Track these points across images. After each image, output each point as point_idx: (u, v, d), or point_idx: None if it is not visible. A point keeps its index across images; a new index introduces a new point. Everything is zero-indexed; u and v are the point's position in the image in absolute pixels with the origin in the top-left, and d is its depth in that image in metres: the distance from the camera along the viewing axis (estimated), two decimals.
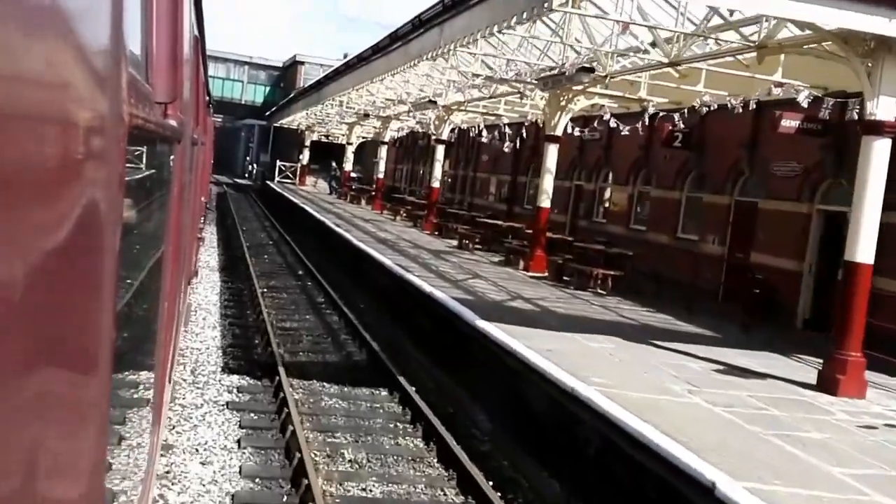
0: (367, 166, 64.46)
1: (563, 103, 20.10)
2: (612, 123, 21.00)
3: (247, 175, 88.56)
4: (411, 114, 31.91)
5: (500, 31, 15.74)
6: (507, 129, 29.62)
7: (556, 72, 16.35)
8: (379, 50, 22.95)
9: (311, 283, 22.43)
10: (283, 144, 70.27)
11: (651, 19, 14.47)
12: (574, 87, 19.75)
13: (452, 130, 35.60)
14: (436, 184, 30.73)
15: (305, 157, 61.48)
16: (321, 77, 34.04)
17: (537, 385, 10.07)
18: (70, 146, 1.07)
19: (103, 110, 1.25)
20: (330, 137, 62.12)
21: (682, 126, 19.61)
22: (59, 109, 1.01)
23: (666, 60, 15.42)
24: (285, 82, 73.93)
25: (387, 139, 40.39)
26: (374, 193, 47.41)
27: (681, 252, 20.08)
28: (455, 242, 26.76)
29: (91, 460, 1.38)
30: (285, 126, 62.87)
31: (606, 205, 25.26)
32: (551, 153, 20.64)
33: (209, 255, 26.21)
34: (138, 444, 2.62)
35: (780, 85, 15.38)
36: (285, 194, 46.89)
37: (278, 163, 62.87)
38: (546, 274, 19.81)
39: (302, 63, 69.77)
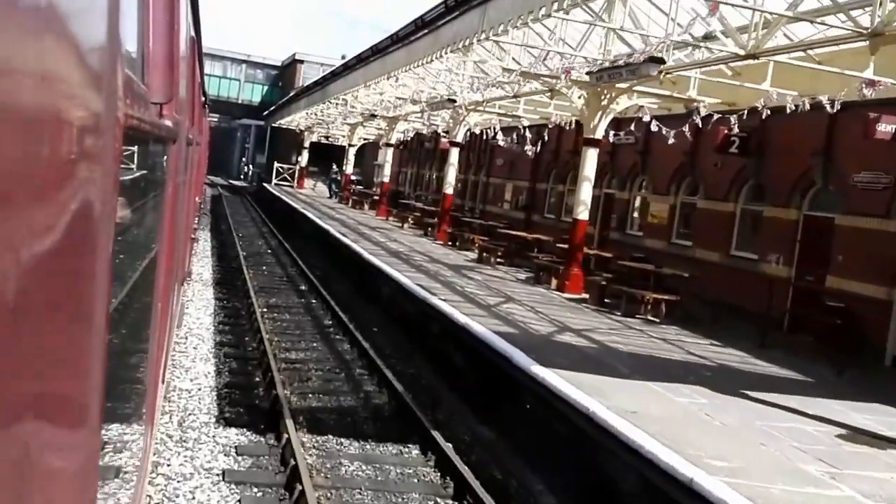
0: (367, 169, 62.12)
1: (604, 102, 17.79)
2: (654, 126, 18.72)
3: (242, 176, 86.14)
4: (424, 114, 29.56)
5: (543, 17, 13.48)
6: (527, 132, 27.37)
7: (616, 62, 13.96)
8: (399, 39, 20.61)
9: (317, 301, 20.06)
10: (281, 145, 67.86)
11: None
12: (619, 85, 17.46)
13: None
14: (449, 190, 28.39)
15: (304, 158, 59.08)
16: (327, 73, 31.61)
17: (627, 462, 7.73)
18: (65, 146, 1.07)
19: (99, 110, 1.26)
20: (330, 139, 59.79)
21: (738, 130, 17.31)
22: (55, 109, 1.01)
23: (742, 52, 13.11)
24: (284, 82, 71.53)
25: (393, 141, 38.05)
26: (377, 198, 45.07)
27: (735, 272, 17.77)
28: (473, 255, 24.42)
29: (83, 461, 1.38)
30: (284, 126, 60.51)
31: (642, 215, 22.93)
32: (590, 158, 18.32)
33: (202, 266, 23.84)
34: (131, 446, 2.66)
35: (871, 83, 13.07)
36: (283, 198, 44.51)
37: (276, 164, 60.43)
38: (586, 296, 17.49)
39: (301, 62, 67.36)
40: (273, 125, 65.20)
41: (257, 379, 12.71)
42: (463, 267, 21.04)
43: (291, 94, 56.60)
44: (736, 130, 17.08)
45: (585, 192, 18.40)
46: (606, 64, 14.33)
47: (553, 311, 15.19)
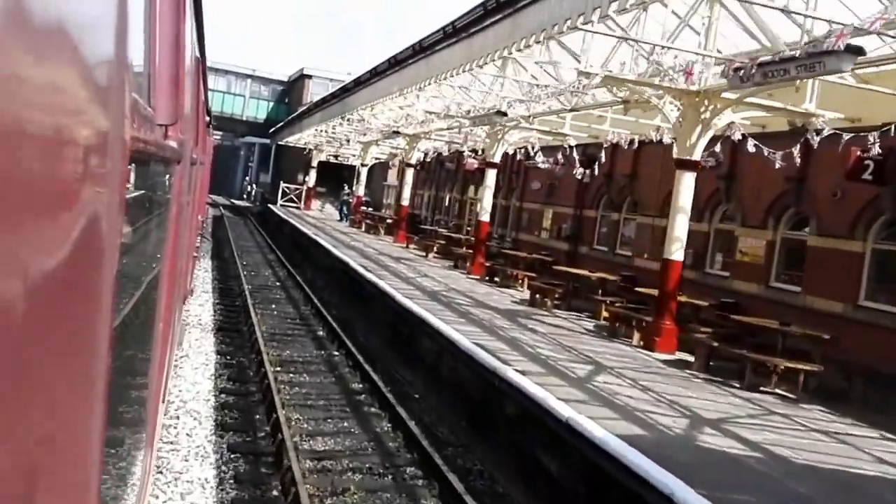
0: (375, 190, 58.66)
1: (705, 116, 14.27)
2: (751, 146, 15.18)
3: (245, 196, 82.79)
4: (460, 130, 26.06)
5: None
6: (574, 152, 23.87)
7: (785, 54, 10.30)
8: (453, 33, 17.13)
9: (340, 355, 16.43)
10: (287, 164, 64.45)
11: None
12: (725, 95, 13.96)
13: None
14: (485, 217, 24.81)
15: (312, 178, 55.58)
16: (348, 83, 28.05)
17: None
18: (73, 167, 1.08)
19: (106, 133, 1.27)
20: (339, 158, 56.36)
21: (874, 152, 13.76)
22: (63, 131, 1.02)
23: None
24: (291, 98, 68.23)
25: (413, 161, 34.56)
26: (390, 222, 41.56)
27: (869, 328, 14.17)
28: (519, 294, 20.84)
29: (84, 480, 1.38)
30: (291, 144, 57.05)
31: (725, 252, 19.32)
32: (685, 185, 14.78)
33: (201, 304, 20.27)
34: (132, 466, 2.63)
35: None
36: (291, 221, 40.97)
37: (282, 185, 56.90)
38: (684, 357, 13.88)
39: (309, 77, 64.06)
40: (279, 143, 61.74)
41: (275, 493, 9.06)
42: (517, 313, 17.42)
43: (303, 108, 53.09)
44: (874, 152, 13.50)
45: (681, 226, 14.84)
46: (765, 58, 10.70)
47: (661, 385, 11.57)
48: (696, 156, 14.57)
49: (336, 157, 56.08)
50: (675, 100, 14.42)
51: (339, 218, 49.20)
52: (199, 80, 6.61)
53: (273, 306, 21.77)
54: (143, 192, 2.36)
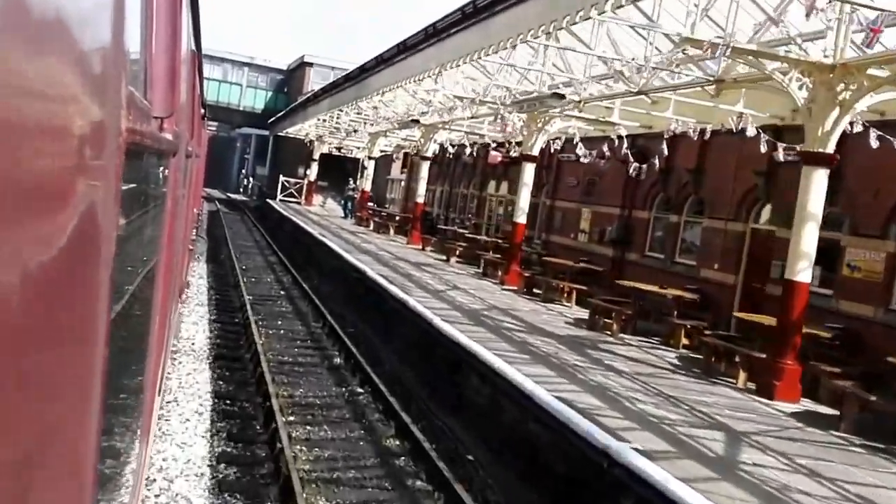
0: (378, 185, 55.28)
1: (843, 96, 11.09)
2: (873, 139, 12.02)
3: (242, 189, 79.45)
4: (477, 120, 22.82)
5: None
6: (624, 145, 20.69)
7: None
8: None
9: (365, 391, 13.26)
10: (286, 157, 61.08)
11: None
12: (873, 73, 10.78)
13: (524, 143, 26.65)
14: (522, 218, 21.60)
15: (313, 172, 52.25)
16: (368, 62, 24.50)
17: None
18: (69, 160, 1.08)
19: (102, 125, 1.27)
20: (343, 150, 53.08)
21: None
22: (59, 124, 1.02)
23: None
24: (290, 87, 64.79)
25: (429, 153, 31.31)
26: (398, 219, 38.36)
27: None
28: (567, 310, 17.68)
29: (80, 472, 1.38)
30: (291, 135, 53.69)
31: (825, 266, 16.13)
32: (817, 184, 11.64)
33: (195, 322, 17.06)
34: (127, 457, 2.63)
35: None
36: (292, 218, 37.75)
37: (281, 178, 53.55)
38: (818, 408, 10.73)
39: (310, 65, 60.59)
40: (278, 134, 58.36)
41: None
42: (581, 341, 14.23)
43: (304, 96, 49.67)
44: None
45: (809, 238, 11.66)
46: None
47: (826, 464, 8.39)
48: (831, 147, 11.39)
49: (339, 149, 52.80)
50: (805, 76, 11.21)
51: (343, 215, 45.93)
52: (195, 73, 6.56)
53: (279, 322, 18.56)
54: (139, 184, 2.31)
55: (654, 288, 16.17)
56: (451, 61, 16.27)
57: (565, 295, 19.03)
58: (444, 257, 26.91)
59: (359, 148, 52.64)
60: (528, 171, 21.50)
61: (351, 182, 47.28)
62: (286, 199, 52.26)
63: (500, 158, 30.56)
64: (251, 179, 79.03)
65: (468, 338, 12.65)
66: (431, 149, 31.30)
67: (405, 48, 19.88)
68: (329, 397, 12.91)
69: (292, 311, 20.43)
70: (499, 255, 24.01)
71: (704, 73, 14.07)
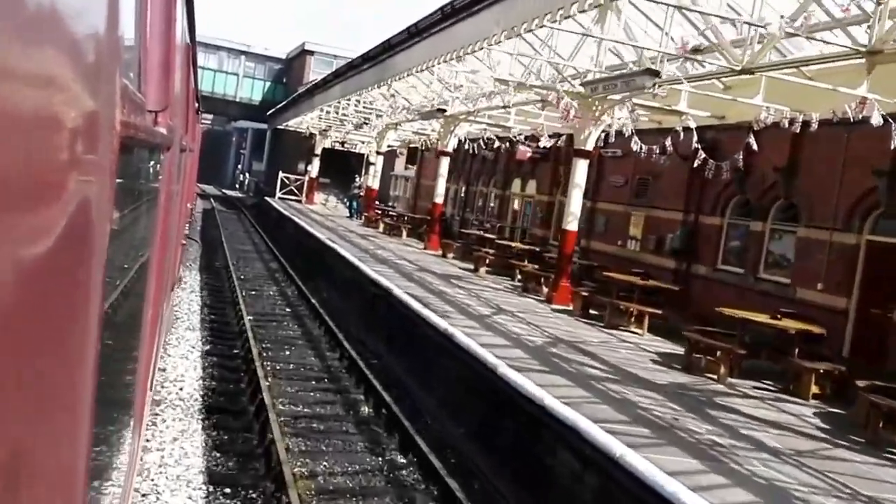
0: (381, 182, 51.85)
1: None
2: None
3: (238, 186, 75.97)
4: (541, 105, 19.46)
5: None
6: (693, 138, 17.43)
7: None
8: None
9: (409, 463, 9.93)
10: (285, 151, 57.64)
11: None
12: None
13: (553, 136, 23.34)
14: (574, 225, 18.26)
15: (315, 168, 48.81)
16: (397, 35, 20.75)
17: None
18: (63, 154, 1.08)
19: (96, 119, 1.27)
20: (346, 144, 49.67)
21: None
22: (53, 118, 1.02)
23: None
24: (289, 77, 61.30)
25: (449, 147, 27.93)
26: (410, 221, 35.05)
27: None
28: (644, 341, 14.37)
29: (72, 464, 1.38)
30: (292, 128, 50.22)
31: None
32: None
33: (184, 357, 13.75)
34: (119, 449, 2.62)
35: None
36: (294, 218, 34.40)
37: (281, 175, 50.07)
38: None
39: (311, 53, 57.09)
40: (277, 127, 54.86)
41: None
42: (689, 392, 10.92)
43: (313, 83, 46.05)
44: None
45: None
46: None
47: None
48: None
49: (343, 143, 49.37)
50: None
51: (348, 214, 42.52)
52: (190, 66, 6.41)
53: (287, 353, 15.24)
54: (132, 179, 2.31)
55: (766, 318, 12.84)
56: (521, 23, 12.82)
57: (633, 320, 15.72)
58: (472, 267, 23.56)
59: (363, 142, 49.24)
60: (581, 169, 18.17)
61: (357, 179, 43.85)
62: (286, 196, 48.84)
63: (529, 154, 27.27)
64: (247, 175, 75.58)
65: (551, 395, 9.33)
66: (451, 143, 27.92)
67: (452, 11, 16.33)
68: (362, 474, 9.58)
69: (301, 335, 17.08)
70: (537, 266, 20.70)
71: (854, 41, 10.73)
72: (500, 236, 28.62)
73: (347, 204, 44.16)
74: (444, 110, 23.47)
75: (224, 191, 70.24)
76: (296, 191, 49.33)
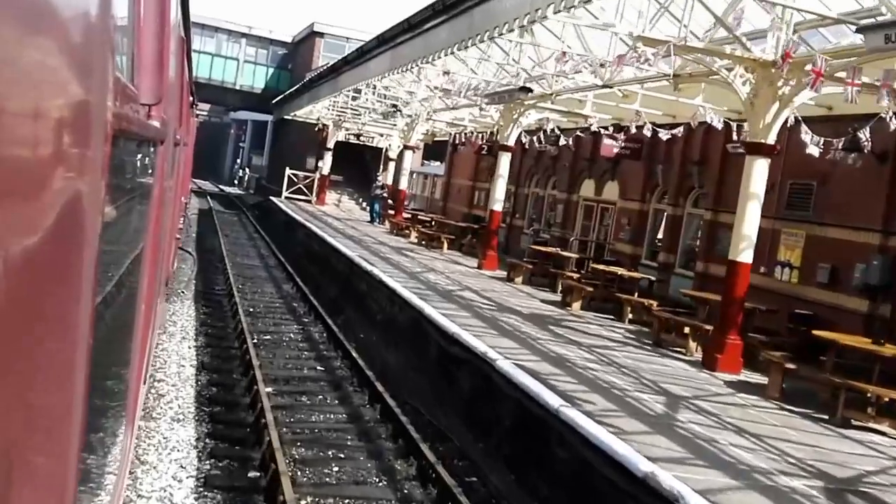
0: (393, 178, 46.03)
1: None
2: None
3: (236, 182, 70.09)
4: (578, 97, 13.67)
5: None
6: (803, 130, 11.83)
7: None
8: None
9: None
10: (290, 144, 51.71)
11: None
12: None
13: (631, 128, 17.55)
14: (748, 255, 12.37)
15: (327, 164, 42.94)
16: None
17: None
18: (54, 148, 1.06)
19: (88, 112, 1.25)
20: (362, 137, 43.81)
21: None
22: (45, 111, 1.00)
23: None
24: (295, 63, 55.37)
25: (510, 141, 22.08)
26: (444, 229, 29.21)
27: None
28: (879, 438, 8.56)
29: (65, 460, 1.36)
30: (300, 119, 44.27)
31: None
32: None
33: (169, 484, 7.94)
34: (112, 445, 2.58)
35: None
36: (308, 224, 28.64)
37: (288, 172, 44.11)
38: None
39: (321, 35, 51.09)
40: (284, 118, 48.87)
41: None
42: None
43: (314, 72, 40.10)
44: None
45: None
46: None
47: None
48: None
49: (358, 135, 43.52)
50: None
51: (368, 219, 36.62)
52: (184, 58, 6.36)
53: (335, 468, 9.37)
54: (125, 173, 2.26)
55: None
56: None
57: (873, 416, 9.92)
58: (558, 298, 17.73)
59: (382, 135, 43.38)
60: (759, 170, 12.32)
61: (378, 179, 37.90)
62: (293, 196, 42.94)
63: (616, 150, 21.46)
64: (246, 171, 69.73)
65: None
66: (514, 135, 22.08)
67: None
68: None
69: (347, 423, 11.16)
70: (666, 308, 14.90)
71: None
72: (563, 247, 22.88)
73: (369, 208, 38.16)
74: (530, 90, 17.60)
75: (222, 187, 64.38)
76: (305, 190, 43.41)
